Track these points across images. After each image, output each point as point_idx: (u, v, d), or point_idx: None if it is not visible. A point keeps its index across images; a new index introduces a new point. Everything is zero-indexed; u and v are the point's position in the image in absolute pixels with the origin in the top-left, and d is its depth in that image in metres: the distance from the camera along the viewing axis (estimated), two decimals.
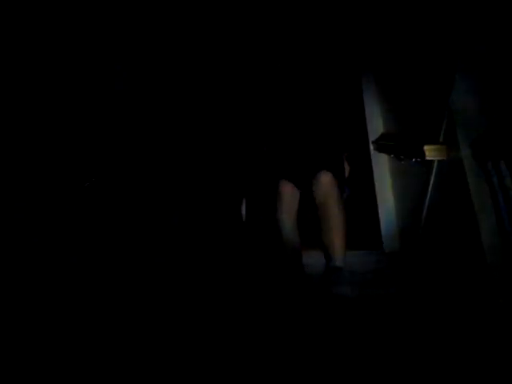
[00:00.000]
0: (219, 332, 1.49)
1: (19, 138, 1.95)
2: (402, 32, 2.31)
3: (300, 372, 1.25)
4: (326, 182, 2.04)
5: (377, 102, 2.99)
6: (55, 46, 2.14)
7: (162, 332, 1.48)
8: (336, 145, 2.27)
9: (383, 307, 1.74)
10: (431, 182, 2.06)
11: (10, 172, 1.84)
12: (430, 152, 1.85)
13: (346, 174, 2.27)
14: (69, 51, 2.21)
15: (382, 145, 2.70)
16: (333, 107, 2.30)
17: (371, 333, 1.48)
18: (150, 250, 2.11)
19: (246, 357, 1.32)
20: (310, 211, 2.12)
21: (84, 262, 1.84)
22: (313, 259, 2.19)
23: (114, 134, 2.34)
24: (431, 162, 1.98)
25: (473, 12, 1.57)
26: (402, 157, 2.23)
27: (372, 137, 2.93)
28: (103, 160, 2.23)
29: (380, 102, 2.96)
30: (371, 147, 2.93)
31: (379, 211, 2.89)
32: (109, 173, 2.19)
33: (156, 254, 2.09)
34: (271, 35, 2.32)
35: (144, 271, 1.93)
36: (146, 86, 2.50)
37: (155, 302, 1.69)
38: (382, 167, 2.93)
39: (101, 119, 2.32)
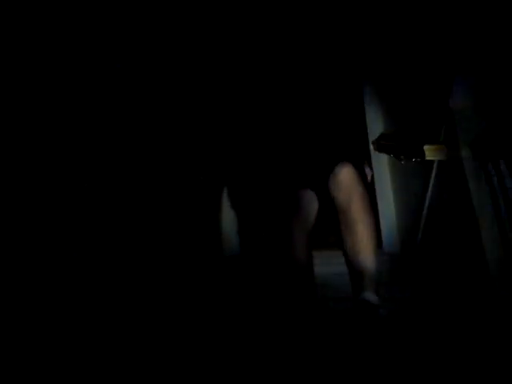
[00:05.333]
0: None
1: (17, 136, 1.95)
2: (402, 33, 2.30)
3: None
4: (347, 177, 1.57)
5: (377, 101, 2.99)
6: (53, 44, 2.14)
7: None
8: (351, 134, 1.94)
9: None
10: (431, 182, 2.06)
11: (9, 171, 1.84)
12: (430, 152, 1.84)
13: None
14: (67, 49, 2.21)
15: (382, 145, 2.70)
16: (333, 105, 2.24)
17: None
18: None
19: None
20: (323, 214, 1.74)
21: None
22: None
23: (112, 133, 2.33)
24: (431, 161, 1.98)
25: (472, 14, 1.57)
26: (401, 157, 2.23)
27: (372, 137, 2.93)
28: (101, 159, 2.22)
29: (380, 102, 2.96)
30: (371, 147, 2.93)
31: (379, 211, 2.88)
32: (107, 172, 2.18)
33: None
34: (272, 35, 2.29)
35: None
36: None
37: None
38: (382, 167, 2.93)
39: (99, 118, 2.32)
